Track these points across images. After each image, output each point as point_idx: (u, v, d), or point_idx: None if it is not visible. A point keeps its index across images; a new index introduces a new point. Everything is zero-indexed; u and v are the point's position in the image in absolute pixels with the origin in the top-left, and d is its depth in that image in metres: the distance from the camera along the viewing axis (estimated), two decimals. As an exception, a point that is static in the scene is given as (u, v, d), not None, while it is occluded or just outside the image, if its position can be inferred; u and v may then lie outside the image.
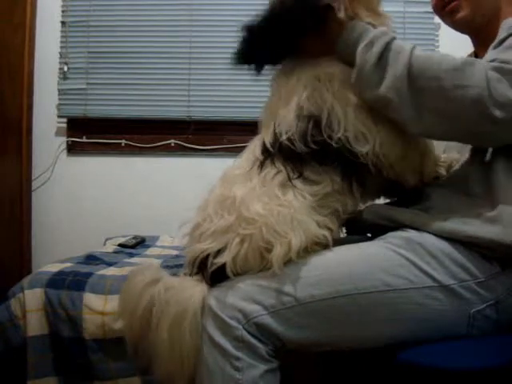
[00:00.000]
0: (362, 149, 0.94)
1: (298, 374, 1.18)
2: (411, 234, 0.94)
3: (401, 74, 0.89)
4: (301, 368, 1.20)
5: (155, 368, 0.93)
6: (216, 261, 0.92)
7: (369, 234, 1.15)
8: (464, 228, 0.90)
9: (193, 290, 0.92)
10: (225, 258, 0.91)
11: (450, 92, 0.86)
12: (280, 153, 0.96)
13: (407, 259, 0.90)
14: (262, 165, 0.97)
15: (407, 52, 0.90)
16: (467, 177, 0.97)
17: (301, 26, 0.94)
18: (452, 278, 0.89)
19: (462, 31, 1.14)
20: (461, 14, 1.09)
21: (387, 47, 0.91)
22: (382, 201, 1.14)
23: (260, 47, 0.99)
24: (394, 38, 0.93)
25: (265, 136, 1.00)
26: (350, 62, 0.95)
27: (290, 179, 0.94)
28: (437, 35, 2.53)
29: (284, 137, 0.95)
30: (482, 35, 1.11)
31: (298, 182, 0.94)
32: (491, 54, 1.00)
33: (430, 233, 0.93)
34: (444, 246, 0.91)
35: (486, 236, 0.88)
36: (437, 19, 2.47)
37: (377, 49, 0.91)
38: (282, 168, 0.95)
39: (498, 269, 0.90)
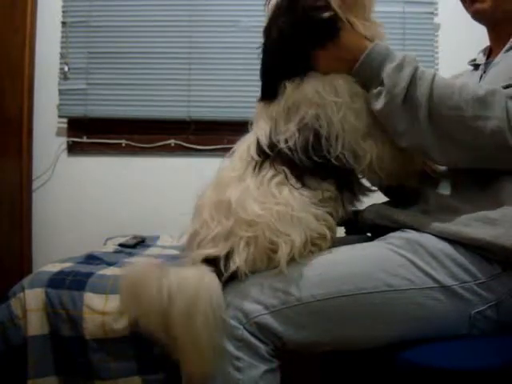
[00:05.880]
0: (358, 166, 0.96)
1: (297, 373, 1.18)
2: (412, 234, 0.94)
3: (421, 101, 0.89)
4: (301, 368, 1.20)
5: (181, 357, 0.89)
6: (231, 266, 0.90)
7: (369, 234, 1.16)
8: (465, 230, 0.90)
9: (206, 276, 0.89)
10: (237, 263, 0.90)
11: (469, 122, 0.87)
12: (279, 156, 0.96)
13: (408, 260, 0.90)
14: (260, 166, 0.96)
15: (429, 80, 0.90)
16: (468, 178, 0.97)
17: (308, 40, 0.95)
18: (453, 279, 0.89)
19: (481, 22, 1.14)
20: (483, 5, 1.08)
21: (415, 73, 0.91)
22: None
23: (274, 64, 0.99)
24: (418, 64, 0.93)
25: (259, 135, 0.99)
26: (368, 79, 0.94)
27: (290, 183, 0.94)
28: (436, 35, 2.53)
29: (283, 145, 0.95)
30: (500, 30, 1.11)
31: (298, 186, 0.95)
32: (502, 57, 1.00)
33: (430, 233, 0.93)
34: (445, 246, 0.91)
35: (486, 238, 0.88)
36: (437, 19, 2.51)
37: (407, 72, 0.90)
38: (283, 170, 0.95)
39: (498, 270, 0.90)
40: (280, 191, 0.93)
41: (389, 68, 0.92)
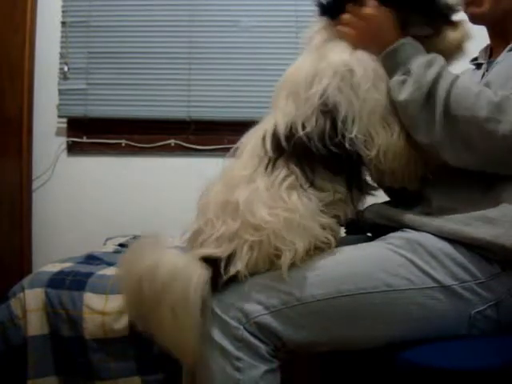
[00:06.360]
0: (369, 152, 0.95)
1: (297, 373, 1.18)
2: (412, 234, 0.94)
3: (439, 101, 0.90)
4: (301, 368, 1.20)
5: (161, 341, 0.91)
6: (231, 269, 0.90)
7: (369, 234, 1.16)
8: (466, 229, 0.91)
9: (192, 267, 0.89)
10: (238, 267, 0.90)
11: (482, 123, 0.88)
12: (294, 151, 0.95)
13: (408, 259, 0.90)
14: (273, 164, 0.95)
15: (449, 80, 0.91)
16: (469, 178, 0.97)
17: None
18: (452, 279, 0.89)
19: (478, 24, 1.14)
20: (481, 9, 1.08)
21: (441, 71, 0.92)
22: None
23: None
24: (446, 65, 0.95)
25: (278, 120, 0.98)
26: (395, 65, 0.95)
27: (301, 185, 0.93)
28: (437, 35, 2.53)
29: (301, 132, 0.94)
30: (500, 29, 1.11)
31: (306, 187, 0.94)
32: (505, 56, 1.01)
33: (430, 233, 0.93)
34: (444, 246, 0.91)
35: (487, 238, 0.89)
36: (437, 19, 2.50)
37: (435, 70, 0.92)
38: (295, 170, 0.94)
39: (498, 269, 0.90)
40: (289, 195, 0.93)
41: (419, 61, 0.93)
